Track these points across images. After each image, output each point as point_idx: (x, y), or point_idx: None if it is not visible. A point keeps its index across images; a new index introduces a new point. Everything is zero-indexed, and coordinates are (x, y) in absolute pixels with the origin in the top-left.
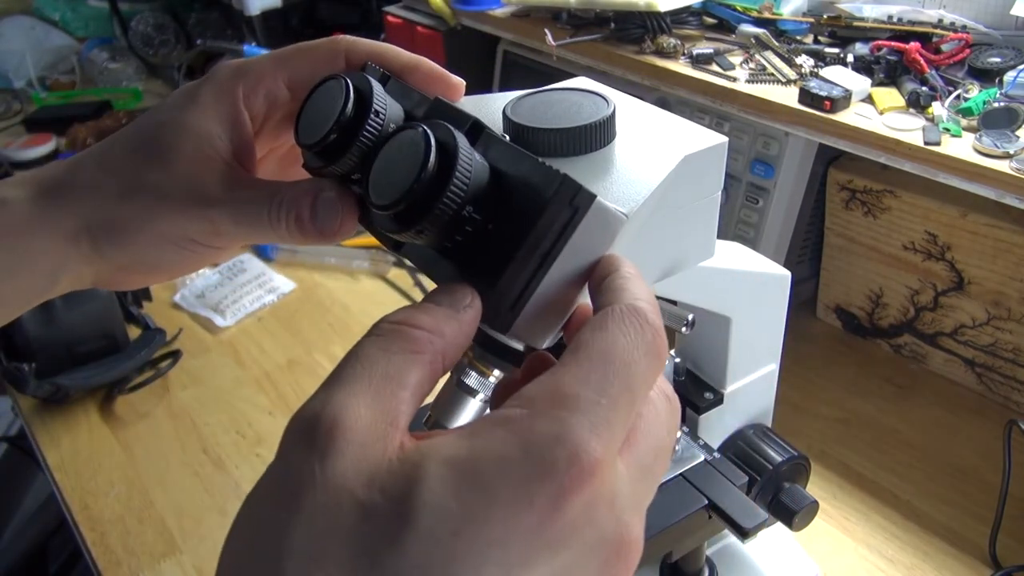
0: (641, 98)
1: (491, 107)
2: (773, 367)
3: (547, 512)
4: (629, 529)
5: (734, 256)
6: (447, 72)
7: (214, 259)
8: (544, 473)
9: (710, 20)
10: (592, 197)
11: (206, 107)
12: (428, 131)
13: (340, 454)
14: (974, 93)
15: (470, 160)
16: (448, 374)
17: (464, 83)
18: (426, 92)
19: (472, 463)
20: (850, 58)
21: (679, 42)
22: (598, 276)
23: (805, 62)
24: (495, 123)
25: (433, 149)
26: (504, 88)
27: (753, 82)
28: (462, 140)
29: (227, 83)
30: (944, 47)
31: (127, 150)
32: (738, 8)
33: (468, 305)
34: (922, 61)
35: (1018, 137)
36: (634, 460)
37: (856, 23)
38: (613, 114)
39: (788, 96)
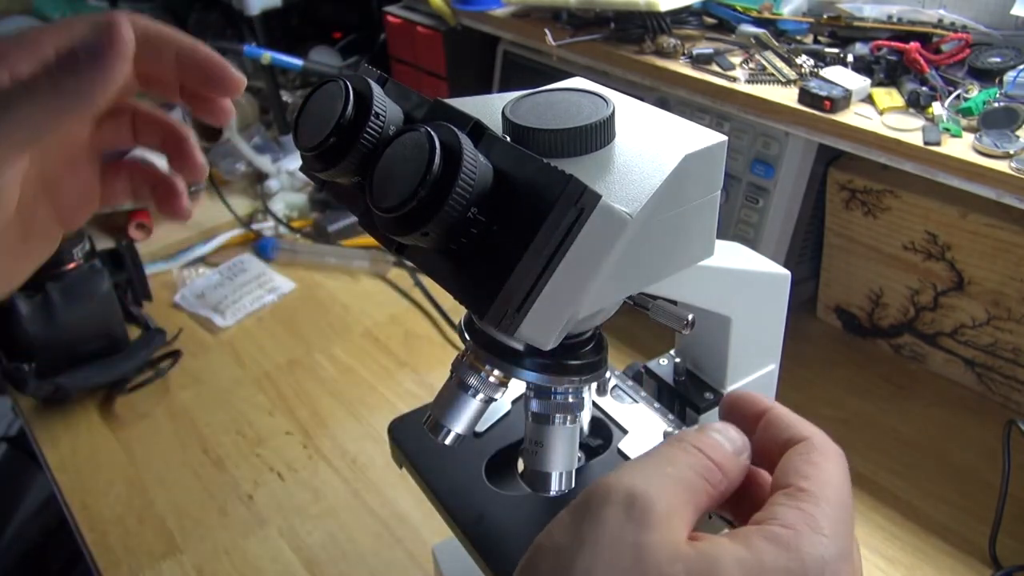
0: (641, 98)
1: (490, 108)
2: (773, 367)
3: None
4: None
5: (734, 256)
6: (226, 64)
7: None
8: None
9: (710, 20)
10: (598, 197)
11: None
12: (432, 133)
13: (653, 530)
14: (974, 93)
15: (475, 162)
16: (449, 374)
17: (244, 81)
18: (202, 84)
19: (760, 567)
20: (850, 58)
21: (679, 42)
22: (756, 410)
23: (805, 62)
24: (495, 124)
25: (438, 151)
26: (504, 88)
27: (753, 82)
28: (466, 142)
29: None
30: (944, 47)
31: None
32: (738, 8)
33: (745, 451)
34: (922, 61)
35: (1018, 137)
36: None
37: (856, 23)
38: (612, 114)
39: (788, 96)
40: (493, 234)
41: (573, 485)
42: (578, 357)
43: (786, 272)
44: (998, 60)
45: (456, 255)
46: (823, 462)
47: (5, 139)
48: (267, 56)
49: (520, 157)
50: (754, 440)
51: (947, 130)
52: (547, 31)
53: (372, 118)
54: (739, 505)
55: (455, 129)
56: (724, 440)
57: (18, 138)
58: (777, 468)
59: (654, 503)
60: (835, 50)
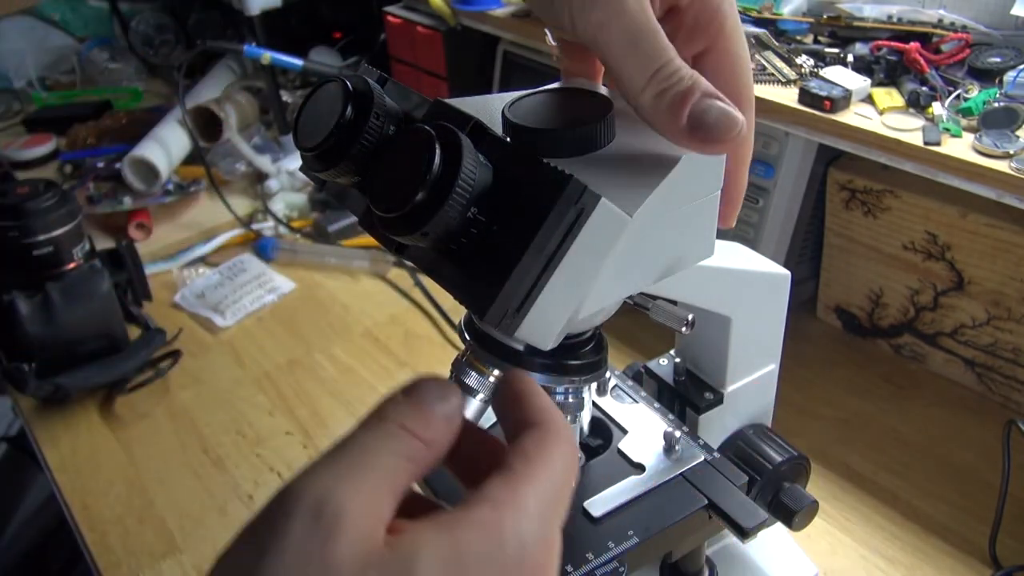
0: None
1: (490, 108)
2: (773, 367)
3: None
4: None
5: (734, 256)
6: None
7: None
8: (514, 568)
9: None
10: (597, 197)
11: None
12: (432, 133)
13: (340, 539)
14: (974, 93)
15: (475, 162)
16: (449, 374)
17: None
18: None
19: (457, 559)
20: (850, 58)
21: None
22: (514, 389)
23: (805, 62)
24: (495, 124)
25: (437, 151)
26: (504, 88)
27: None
28: (466, 142)
29: None
30: (944, 47)
31: None
32: (738, 8)
33: (456, 416)
34: (922, 61)
35: (1018, 137)
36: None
37: (856, 23)
38: (612, 114)
39: (788, 96)
40: (493, 234)
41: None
42: (578, 357)
43: (786, 272)
44: (998, 60)
45: (456, 255)
46: (552, 447)
47: None
48: (267, 56)
49: (520, 157)
50: (508, 413)
51: (947, 130)
52: (547, 31)
53: (372, 118)
54: (469, 469)
55: (455, 129)
56: (437, 406)
57: None
58: (508, 448)
59: (344, 507)
60: (835, 50)
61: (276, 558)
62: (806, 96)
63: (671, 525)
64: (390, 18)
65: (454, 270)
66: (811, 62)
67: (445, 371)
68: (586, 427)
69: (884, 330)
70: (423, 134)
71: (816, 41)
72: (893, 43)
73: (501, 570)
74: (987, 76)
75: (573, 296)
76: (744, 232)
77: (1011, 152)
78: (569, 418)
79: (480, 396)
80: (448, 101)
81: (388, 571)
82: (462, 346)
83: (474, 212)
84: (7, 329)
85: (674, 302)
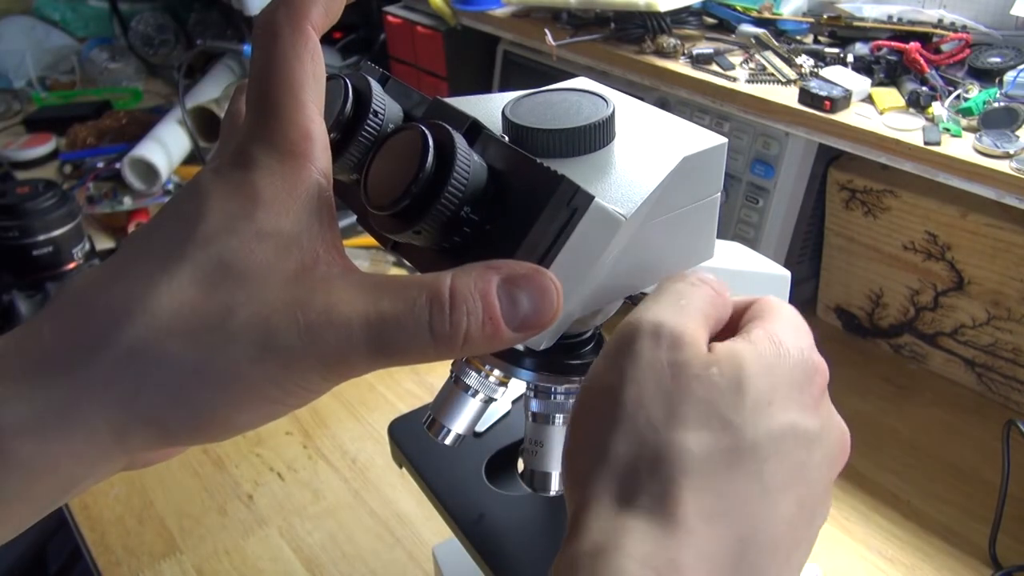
0: (641, 98)
1: (491, 107)
2: None
3: (807, 387)
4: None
5: (734, 256)
6: None
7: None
8: (809, 369)
9: (710, 20)
10: (590, 198)
11: (275, 201)
12: (426, 131)
13: (684, 349)
14: (974, 93)
15: (468, 161)
16: (449, 374)
17: None
18: None
19: (765, 356)
20: (850, 58)
21: (679, 42)
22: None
23: (805, 62)
24: (495, 123)
25: (431, 149)
26: (504, 88)
27: (753, 82)
28: (460, 140)
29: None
30: (944, 47)
31: (187, 309)
32: (738, 8)
33: (727, 287)
34: (922, 61)
35: (1018, 137)
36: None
37: (856, 23)
38: (613, 115)
39: (788, 96)
40: (486, 234)
41: None
42: (578, 357)
43: (786, 272)
44: (998, 60)
45: (450, 254)
46: (773, 306)
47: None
48: None
49: (515, 157)
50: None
51: (947, 130)
52: (547, 31)
53: (371, 116)
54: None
55: (449, 128)
56: (713, 277)
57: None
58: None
59: (679, 329)
60: (835, 50)
61: (633, 372)
62: (806, 96)
63: None
64: (390, 18)
65: (448, 268)
66: (811, 62)
67: (445, 371)
68: None
69: (884, 330)
70: (417, 132)
71: (816, 41)
72: (893, 43)
73: (801, 367)
74: (987, 76)
75: (567, 297)
76: (744, 232)
77: (1011, 152)
78: (568, 418)
79: (480, 396)
80: (448, 100)
81: (725, 366)
82: None
83: (467, 211)
84: (7, 329)
85: None
